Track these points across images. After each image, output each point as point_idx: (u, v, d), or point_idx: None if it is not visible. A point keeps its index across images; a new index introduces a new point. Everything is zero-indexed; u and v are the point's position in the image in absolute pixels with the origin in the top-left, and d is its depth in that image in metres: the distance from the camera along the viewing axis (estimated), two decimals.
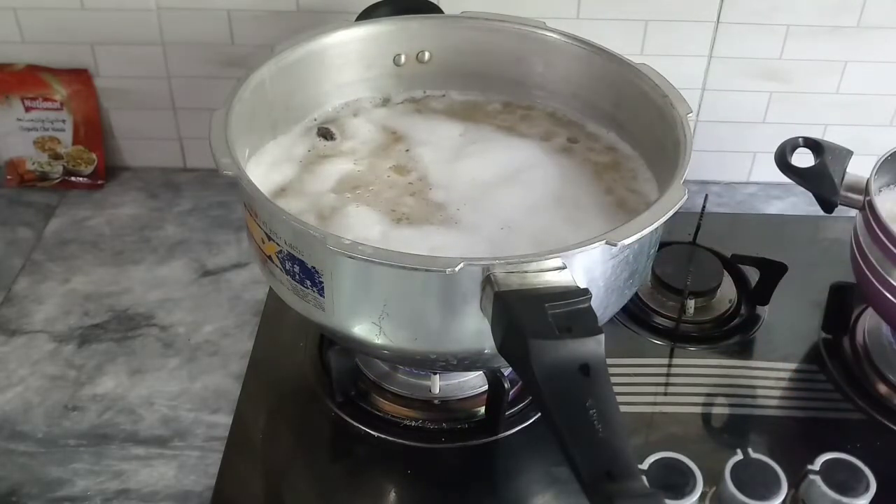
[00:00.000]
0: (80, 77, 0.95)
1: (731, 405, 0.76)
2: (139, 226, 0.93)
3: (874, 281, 0.72)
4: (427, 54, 0.78)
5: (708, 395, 0.76)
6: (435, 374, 0.72)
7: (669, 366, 0.79)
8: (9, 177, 0.98)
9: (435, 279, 0.54)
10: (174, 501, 0.67)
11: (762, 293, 0.84)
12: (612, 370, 0.48)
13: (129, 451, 0.70)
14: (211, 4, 0.90)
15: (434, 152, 0.73)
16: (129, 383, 0.76)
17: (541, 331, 0.48)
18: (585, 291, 0.51)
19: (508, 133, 0.76)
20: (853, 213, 0.76)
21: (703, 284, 0.83)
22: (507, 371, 0.68)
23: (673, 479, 0.64)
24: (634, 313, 0.82)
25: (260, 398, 0.75)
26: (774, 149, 0.76)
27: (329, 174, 0.70)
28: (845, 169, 0.75)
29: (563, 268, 0.52)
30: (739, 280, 0.86)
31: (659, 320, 0.82)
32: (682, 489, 0.63)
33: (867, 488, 0.63)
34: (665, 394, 0.76)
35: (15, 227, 0.93)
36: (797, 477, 0.65)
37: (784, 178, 0.76)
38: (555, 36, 0.75)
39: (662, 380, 0.78)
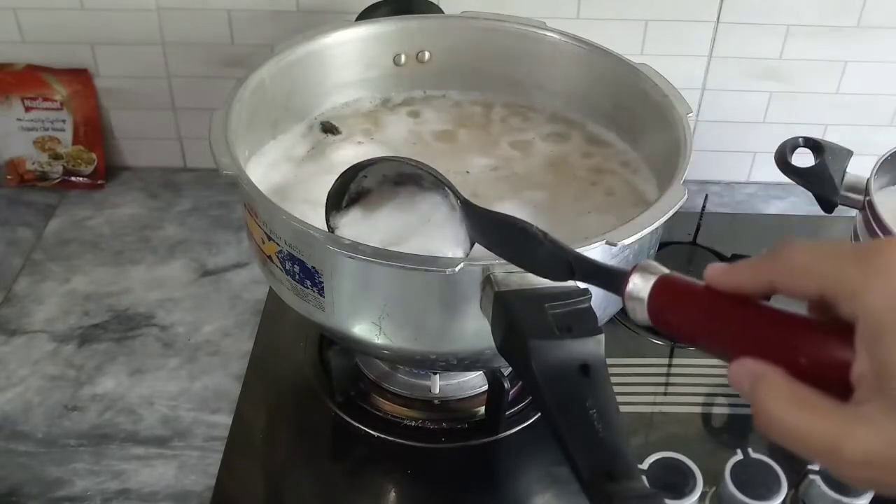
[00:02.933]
0: (80, 77, 0.95)
1: (731, 405, 0.76)
2: (139, 226, 0.93)
3: None
4: (427, 54, 0.78)
5: (708, 395, 0.76)
6: (435, 374, 0.72)
7: (669, 366, 0.79)
8: (9, 177, 0.98)
9: (435, 279, 0.54)
10: (174, 501, 0.67)
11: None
12: (612, 370, 0.48)
13: (129, 451, 0.70)
14: (211, 4, 0.90)
15: (433, 152, 0.73)
16: (129, 383, 0.76)
17: (541, 331, 0.48)
18: (585, 291, 0.51)
19: (506, 133, 0.76)
20: (853, 213, 0.76)
21: None
22: (507, 371, 0.68)
23: (673, 479, 0.64)
24: None
25: (260, 398, 0.75)
26: (774, 149, 0.76)
27: (336, 162, 0.70)
28: (845, 169, 0.75)
29: None
30: None
31: None
32: (682, 489, 0.63)
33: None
34: (665, 394, 0.76)
35: (15, 227, 0.93)
36: (797, 477, 0.65)
37: (784, 178, 0.76)
38: (555, 36, 0.75)
39: (662, 380, 0.78)
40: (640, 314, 0.41)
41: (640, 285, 0.41)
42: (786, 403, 0.33)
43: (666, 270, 0.41)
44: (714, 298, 0.38)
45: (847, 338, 0.33)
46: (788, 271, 0.36)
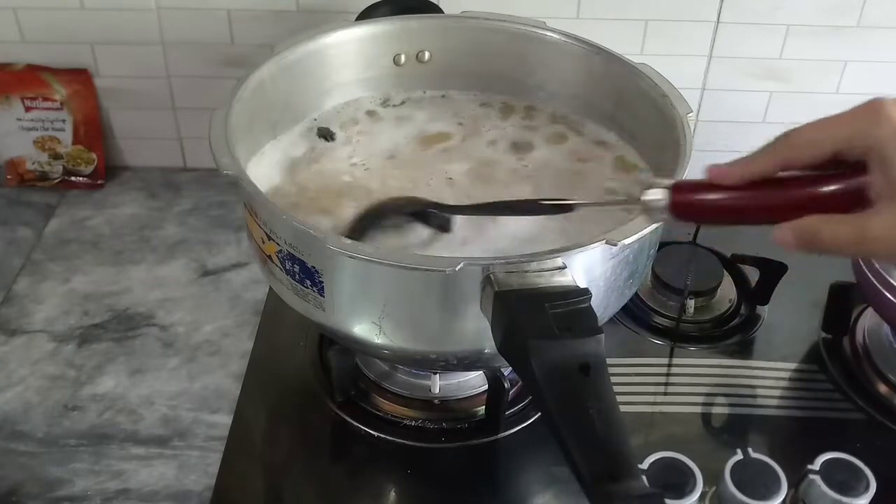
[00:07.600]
0: (80, 77, 0.95)
1: (731, 405, 0.76)
2: (139, 226, 0.93)
3: (874, 281, 0.72)
4: (427, 54, 0.78)
5: (708, 395, 0.76)
6: (435, 374, 0.72)
7: (669, 366, 0.79)
8: (9, 177, 0.98)
9: (435, 279, 0.54)
10: (174, 501, 0.67)
11: (762, 293, 0.84)
12: (612, 370, 0.48)
13: (128, 450, 0.70)
14: (211, 4, 0.90)
15: (432, 152, 0.73)
16: (129, 383, 0.76)
17: (541, 330, 0.48)
18: (585, 291, 0.51)
19: (506, 133, 0.76)
20: None
21: (703, 284, 0.83)
22: (507, 371, 0.68)
23: (673, 479, 0.64)
24: (634, 313, 0.82)
25: (260, 398, 0.75)
26: None
27: (328, 173, 0.70)
28: None
29: (564, 268, 0.52)
30: (739, 280, 0.86)
31: (659, 320, 0.82)
32: (682, 489, 0.63)
33: (867, 488, 0.63)
34: (665, 394, 0.76)
35: (15, 227, 0.93)
36: (797, 477, 0.65)
37: None
38: (555, 36, 0.75)
39: (662, 380, 0.78)
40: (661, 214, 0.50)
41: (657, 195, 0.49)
42: (821, 223, 0.46)
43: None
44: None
45: (861, 171, 0.45)
46: (801, 146, 0.48)
